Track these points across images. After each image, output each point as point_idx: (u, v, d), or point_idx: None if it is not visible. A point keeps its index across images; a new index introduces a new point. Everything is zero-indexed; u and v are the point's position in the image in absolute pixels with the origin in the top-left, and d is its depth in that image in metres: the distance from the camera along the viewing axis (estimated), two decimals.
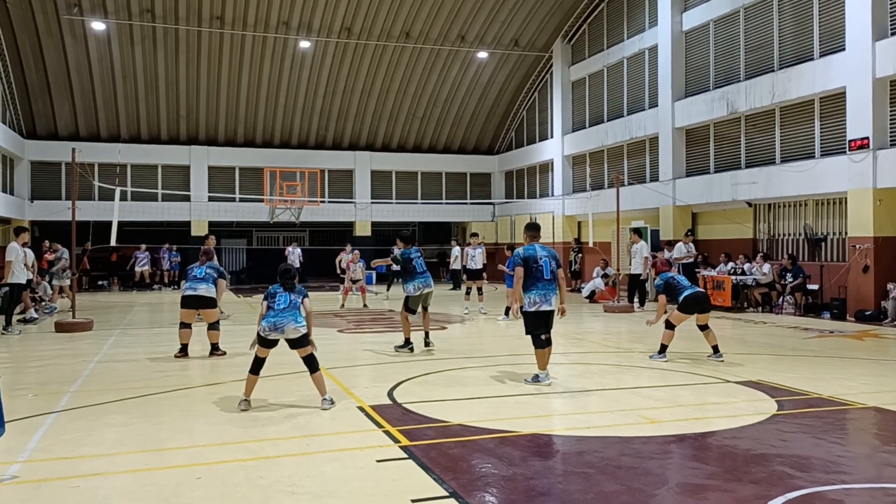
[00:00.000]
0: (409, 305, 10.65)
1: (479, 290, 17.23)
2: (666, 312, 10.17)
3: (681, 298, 10.04)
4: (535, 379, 8.41)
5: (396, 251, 10.87)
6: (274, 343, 7.34)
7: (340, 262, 22.19)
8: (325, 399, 7.24)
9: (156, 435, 6.31)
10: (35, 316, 15.40)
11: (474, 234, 18.41)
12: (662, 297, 10.21)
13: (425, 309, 10.84)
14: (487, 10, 26.38)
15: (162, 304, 21.05)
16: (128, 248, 26.34)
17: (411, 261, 10.50)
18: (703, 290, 10.34)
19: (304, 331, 7.27)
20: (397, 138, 31.20)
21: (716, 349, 9.97)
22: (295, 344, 7.30)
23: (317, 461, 5.51)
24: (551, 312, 8.46)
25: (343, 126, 30.08)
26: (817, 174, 16.63)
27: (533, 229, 8.83)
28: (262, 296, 7.61)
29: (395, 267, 22.38)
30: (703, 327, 10.12)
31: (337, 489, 4.88)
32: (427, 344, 10.81)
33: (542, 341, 8.40)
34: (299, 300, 7.44)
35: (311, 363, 7.33)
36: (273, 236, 32.98)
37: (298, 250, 25.07)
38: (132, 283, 26.80)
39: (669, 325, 10.10)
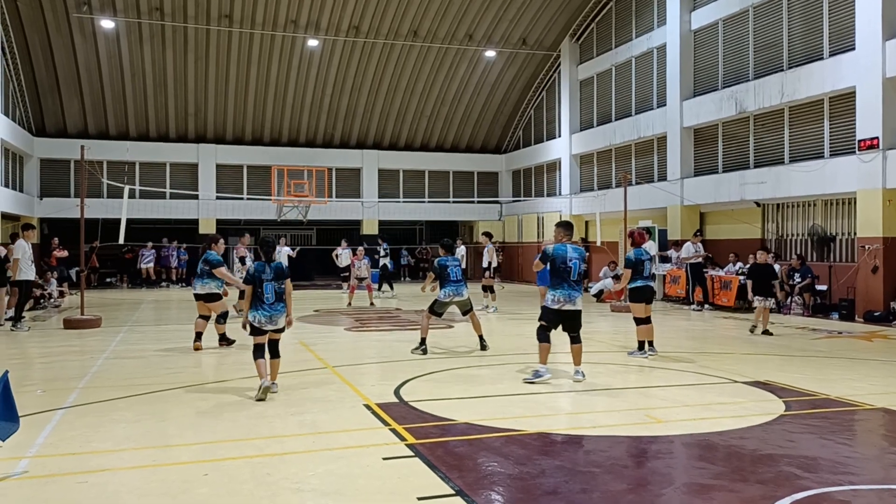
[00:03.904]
0: (436, 309, 10.78)
1: (491, 288, 17.73)
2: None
3: (630, 286, 10.49)
4: (536, 375, 8.44)
5: (436, 261, 11.01)
6: (267, 332, 7.79)
7: (338, 257, 22.54)
8: (274, 383, 7.72)
9: (163, 431, 6.34)
10: (12, 315, 14.06)
11: (487, 234, 18.64)
12: (628, 272, 10.52)
13: (468, 313, 10.96)
14: (495, 9, 26.36)
15: (169, 301, 21.13)
16: (140, 246, 26.54)
17: (447, 268, 10.69)
18: (651, 285, 10.62)
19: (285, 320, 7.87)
20: (405, 137, 31.21)
21: (650, 343, 10.41)
22: (278, 331, 7.87)
23: (323, 458, 5.52)
24: (576, 312, 8.50)
25: (351, 124, 30.11)
26: (826, 174, 16.55)
27: (566, 228, 8.77)
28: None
29: (380, 259, 22.71)
30: (646, 320, 10.48)
31: (343, 487, 4.88)
32: (483, 347, 10.88)
33: (546, 336, 8.50)
34: (283, 287, 7.79)
35: (276, 348, 7.86)
36: (280, 234, 33.02)
37: (286, 248, 24.74)
38: (140, 281, 26.92)
39: (636, 321, 10.46)
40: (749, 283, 13.26)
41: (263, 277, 7.67)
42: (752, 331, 13.08)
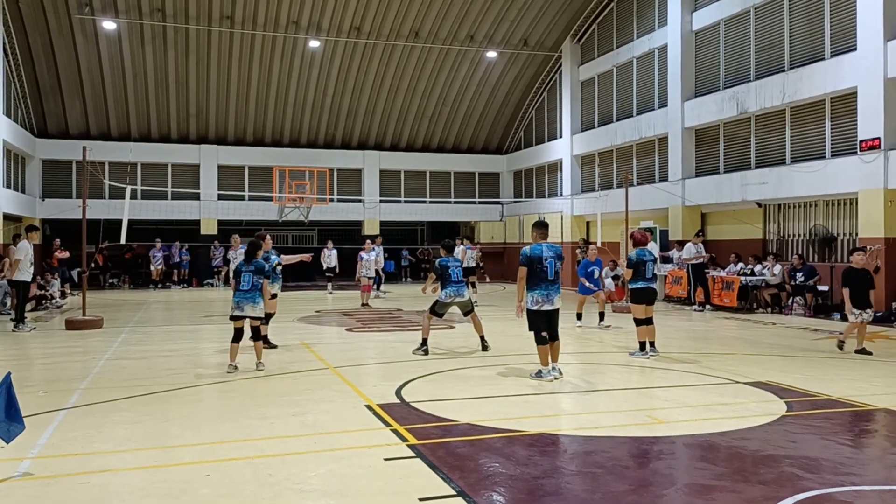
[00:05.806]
0: (437, 310, 10.81)
1: (473, 284, 19.12)
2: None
3: (632, 287, 10.49)
4: (538, 374, 8.63)
5: (437, 262, 10.99)
6: (242, 316, 9.08)
7: (324, 257, 23.20)
8: (260, 362, 9.20)
9: (165, 432, 6.34)
10: (13, 316, 13.98)
11: (467, 237, 20.72)
12: (629, 272, 10.55)
13: (470, 314, 11.01)
14: (497, 10, 26.36)
15: (171, 301, 21.14)
16: (147, 246, 26.56)
17: (448, 268, 10.71)
18: (652, 287, 10.57)
19: (260, 310, 9.13)
20: (406, 137, 31.22)
21: (652, 344, 10.43)
22: (255, 318, 9.17)
23: (325, 459, 5.52)
24: (554, 311, 8.66)
25: (352, 125, 30.12)
26: (828, 175, 16.54)
27: (541, 227, 8.97)
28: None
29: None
30: (648, 321, 10.44)
31: (345, 487, 4.89)
32: (484, 347, 10.91)
33: (542, 338, 8.62)
34: (260, 281, 9.06)
35: (257, 332, 9.31)
36: (282, 235, 33.08)
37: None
38: (142, 281, 26.90)
39: (636, 322, 10.44)
40: (846, 291, 10.78)
41: (243, 269, 9.09)
42: (840, 347, 11.00)
